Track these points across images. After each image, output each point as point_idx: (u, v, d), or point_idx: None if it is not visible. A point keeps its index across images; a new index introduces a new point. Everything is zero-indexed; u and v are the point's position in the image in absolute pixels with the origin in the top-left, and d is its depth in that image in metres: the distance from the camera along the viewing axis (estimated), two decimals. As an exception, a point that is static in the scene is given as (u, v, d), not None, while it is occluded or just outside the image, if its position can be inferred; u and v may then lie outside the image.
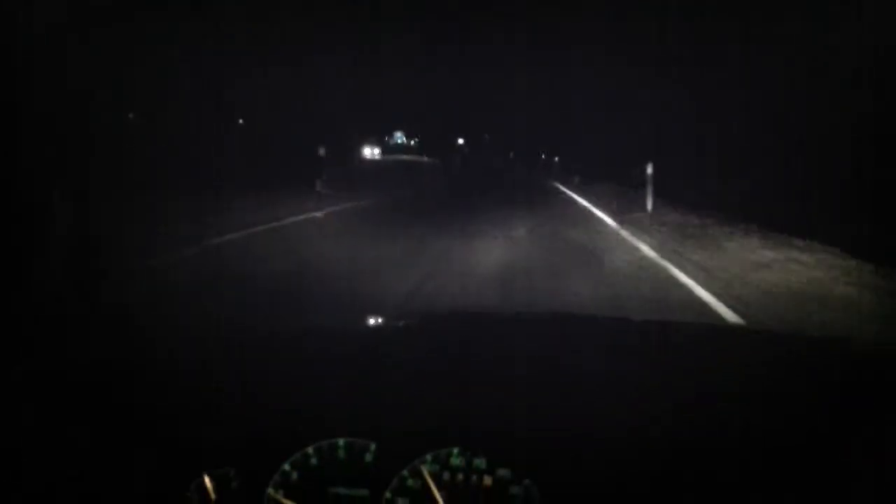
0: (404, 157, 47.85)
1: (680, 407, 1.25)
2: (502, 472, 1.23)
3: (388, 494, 1.23)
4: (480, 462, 1.24)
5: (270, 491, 1.24)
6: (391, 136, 54.42)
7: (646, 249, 10.02)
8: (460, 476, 1.24)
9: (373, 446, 1.26)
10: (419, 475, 1.23)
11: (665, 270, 8.39)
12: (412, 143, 59.35)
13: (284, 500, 1.23)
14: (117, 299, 5.08)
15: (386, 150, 50.19)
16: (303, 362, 1.33)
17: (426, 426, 1.26)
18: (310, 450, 1.26)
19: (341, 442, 1.26)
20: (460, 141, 68.58)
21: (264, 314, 4.68)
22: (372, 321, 1.48)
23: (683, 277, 7.86)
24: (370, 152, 46.66)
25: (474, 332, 1.43)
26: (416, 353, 1.35)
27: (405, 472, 1.24)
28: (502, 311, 1.61)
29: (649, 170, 15.03)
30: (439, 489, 1.22)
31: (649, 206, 14.83)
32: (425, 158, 45.24)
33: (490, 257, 8.87)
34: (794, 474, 1.16)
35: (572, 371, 1.32)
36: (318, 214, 13.52)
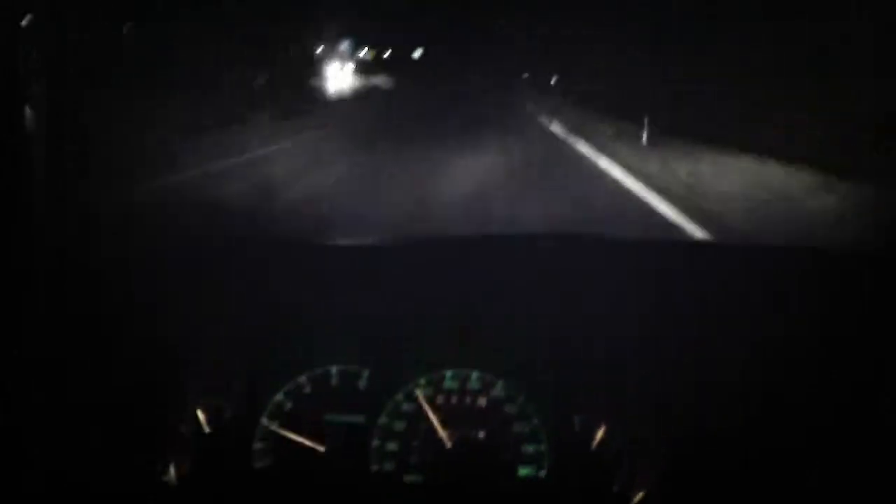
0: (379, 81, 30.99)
1: (670, 326, 1.26)
2: (496, 392, 1.24)
3: (383, 420, 1.23)
4: (475, 383, 1.24)
5: (264, 421, 1.23)
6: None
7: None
8: (455, 398, 1.24)
9: (366, 372, 1.25)
10: (414, 399, 1.23)
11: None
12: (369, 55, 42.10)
13: (279, 430, 1.23)
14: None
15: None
16: (290, 288, 1.30)
17: (418, 351, 1.25)
18: (303, 378, 1.25)
19: (334, 370, 1.25)
20: (417, 53, 56.57)
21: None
22: (360, 243, 1.45)
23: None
24: (337, 74, 30.48)
25: (460, 255, 1.41)
26: (405, 278, 1.33)
27: (400, 397, 1.24)
28: (484, 233, 1.60)
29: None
30: (435, 412, 1.22)
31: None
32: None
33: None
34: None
35: (560, 291, 1.31)
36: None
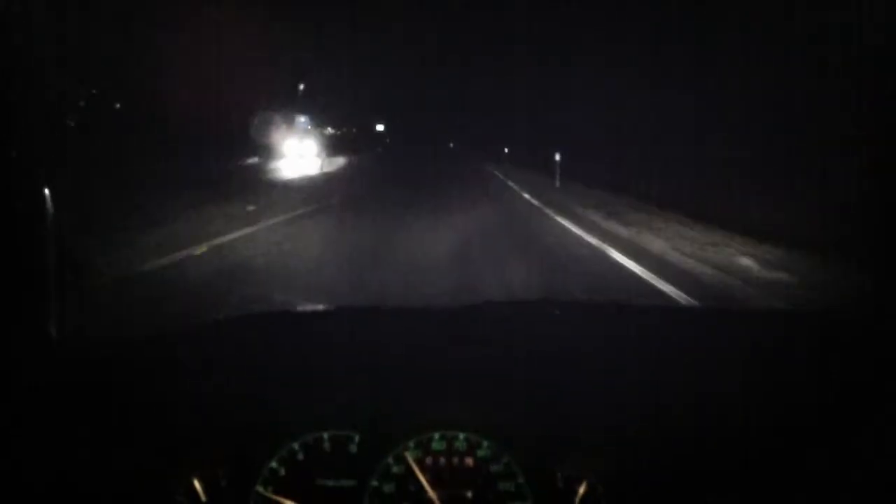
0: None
1: (650, 383, 1.35)
2: (482, 452, 1.30)
3: (374, 483, 1.28)
4: (461, 444, 1.30)
5: (259, 488, 1.27)
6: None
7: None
8: (442, 459, 1.30)
9: (357, 437, 1.31)
10: (403, 461, 1.29)
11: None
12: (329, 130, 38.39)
13: (273, 496, 1.27)
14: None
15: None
16: (279, 357, 1.37)
17: (406, 414, 1.32)
18: (295, 445, 1.30)
19: (326, 435, 1.31)
20: (379, 127, 62.16)
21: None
22: (345, 311, 1.52)
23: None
24: (296, 149, 29.81)
25: (444, 321, 1.49)
26: (391, 344, 1.40)
27: (390, 460, 1.29)
28: (466, 301, 1.70)
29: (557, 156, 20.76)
30: (423, 473, 1.28)
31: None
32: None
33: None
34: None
35: (544, 353, 1.39)
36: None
